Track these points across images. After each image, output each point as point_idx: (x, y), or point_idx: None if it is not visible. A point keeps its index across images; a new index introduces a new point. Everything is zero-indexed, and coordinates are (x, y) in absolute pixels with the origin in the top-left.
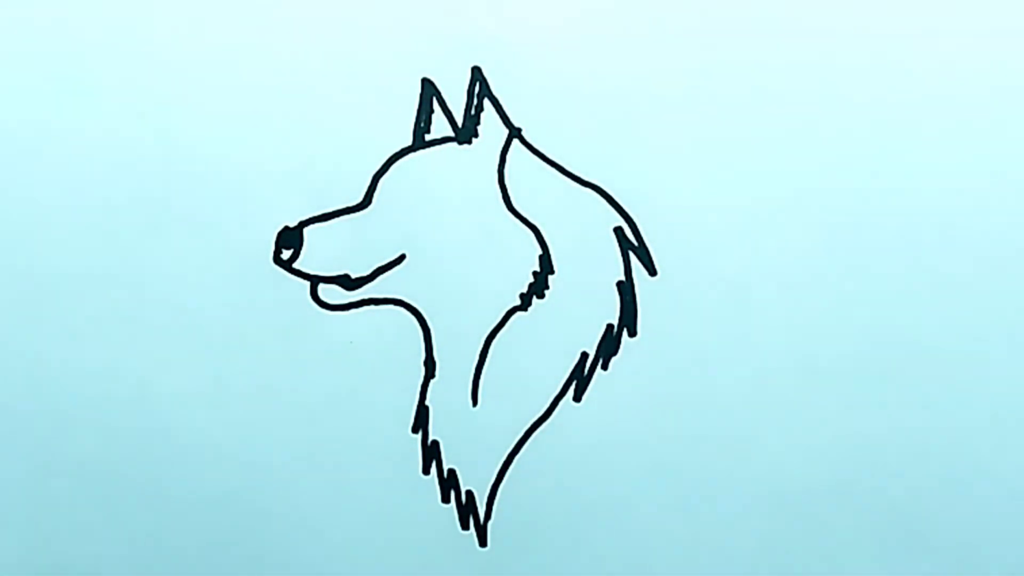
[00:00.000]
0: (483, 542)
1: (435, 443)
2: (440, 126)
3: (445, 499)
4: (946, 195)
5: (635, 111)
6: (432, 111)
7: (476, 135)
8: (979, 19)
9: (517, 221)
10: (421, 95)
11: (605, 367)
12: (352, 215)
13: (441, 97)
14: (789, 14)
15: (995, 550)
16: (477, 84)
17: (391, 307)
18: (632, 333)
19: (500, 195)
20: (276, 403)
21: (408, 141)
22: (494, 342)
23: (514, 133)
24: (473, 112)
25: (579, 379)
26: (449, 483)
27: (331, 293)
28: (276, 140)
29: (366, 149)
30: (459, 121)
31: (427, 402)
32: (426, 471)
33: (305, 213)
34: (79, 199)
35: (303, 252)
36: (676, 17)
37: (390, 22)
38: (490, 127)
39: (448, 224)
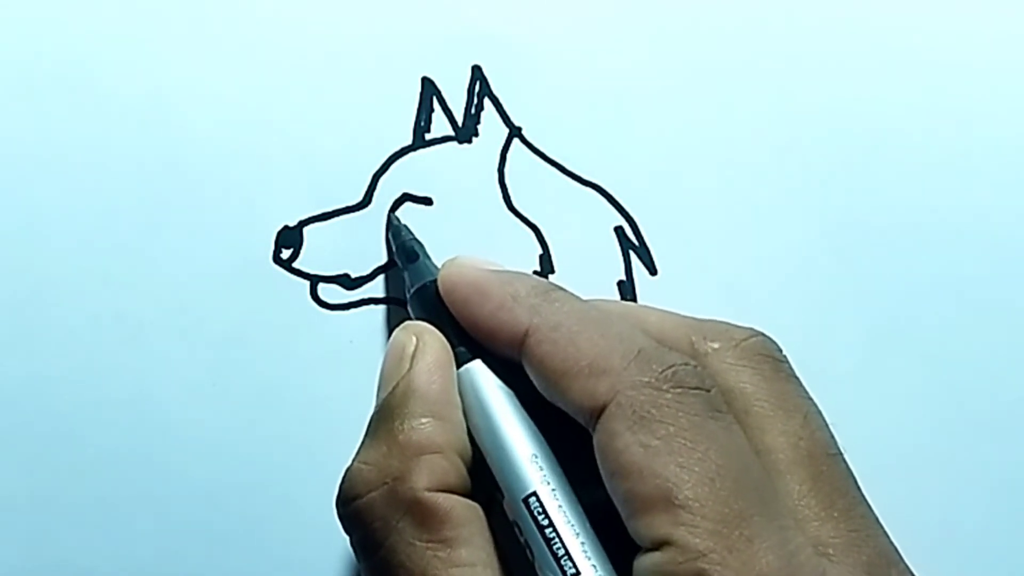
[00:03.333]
0: None
1: None
2: (440, 125)
3: None
4: (948, 194)
5: (635, 111)
6: (432, 110)
7: (476, 134)
8: (982, 18)
9: (517, 221)
10: (421, 94)
11: None
12: (352, 215)
13: (441, 96)
14: (791, 13)
15: (996, 551)
16: (477, 83)
17: (391, 307)
18: None
19: (500, 194)
20: (276, 403)
21: (408, 140)
22: None
23: (514, 132)
24: (473, 111)
25: None
26: None
27: (331, 293)
28: (276, 140)
29: (366, 148)
30: (459, 120)
31: None
32: None
33: (305, 213)
34: (78, 198)
35: (303, 252)
36: (677, 17)
37: (390, 21)
38: (490, 126)
39: (448, 223)
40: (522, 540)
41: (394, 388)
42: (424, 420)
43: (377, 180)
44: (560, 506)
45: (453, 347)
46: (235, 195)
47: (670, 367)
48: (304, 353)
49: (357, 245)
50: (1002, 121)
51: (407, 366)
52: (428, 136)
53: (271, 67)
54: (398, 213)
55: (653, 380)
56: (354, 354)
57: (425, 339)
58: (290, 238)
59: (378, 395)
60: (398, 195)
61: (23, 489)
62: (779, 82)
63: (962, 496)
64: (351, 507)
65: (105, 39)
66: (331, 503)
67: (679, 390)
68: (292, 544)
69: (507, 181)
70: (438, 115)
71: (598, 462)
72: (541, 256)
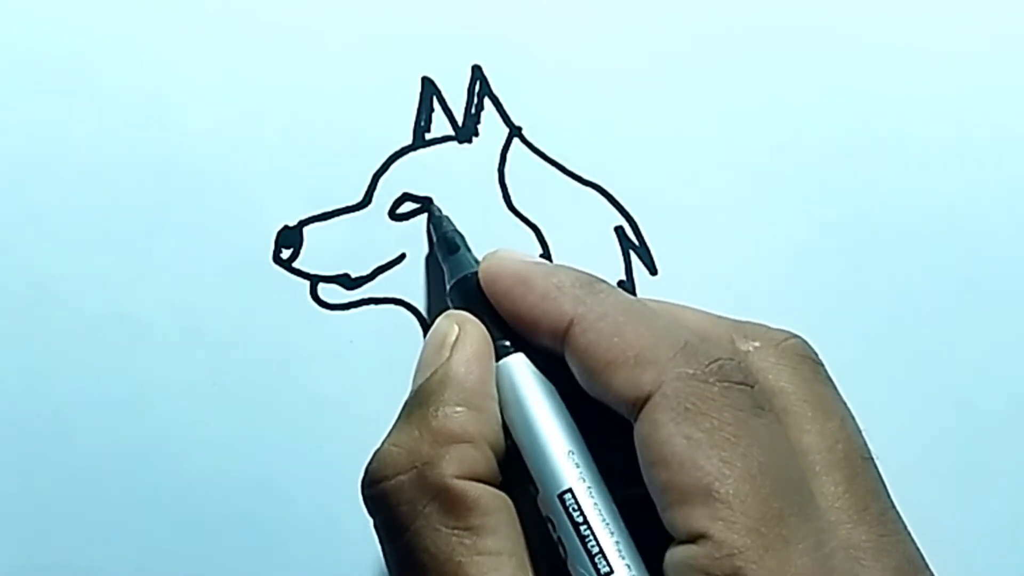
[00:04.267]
0: None
1: None
2: (440, 125)
3: None
4: (949, 192)
5: (635, 111)
6: (432, 110)
7: (476, 134)
8: (982, 17)
9: (517, 220)
10: (421, 94)
11: None
12: (352, 215)
13: (441, 96)
14: (791, 13)
15: (996, 550)
16: (477, 83)
17: (391, 307)
18: None
19: (500, 194)
20: (276, 403)
21: (408, 140)
22: None
23: (514, 132)
24: (473, 111)
25: None
26: None
27: (331, 293)
28: (276, 140)
29: (366, 148)
30: (459, 120)
31: None
32: None
33: (305, 213)
34: (78, 198)
35: (303, 251)
36: (677, 17)
37: (390, 21)
38: (490, 126)
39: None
40: (555, 536)
41: (432, 374)
42: (459, 409)
43: (377, 180)
44: (595, 504)
45: (493, 339)
46: (235, 195)
47: (716, 361)
48: (304, 353)
49: (357, 245)
50: (1003, 119)
51: (447, 354)
52: (428, 136)
53: (271, 67)
54: (401, 210)
55: (699, 372)
56: (354, 354)
57: (467, 328)
58: (290, 238)
59: (415, 379)
60: (398, 195)
61: (23, 489)
62: (779, 82)
63: (971, 498)
64: (378, 488)
65: (105, 39)
66: (331, 502)
67: (725, 384)
68: (292, 543)
69: (507, 181)
70: (438, 115)
71: (638, 452)
72: (541, 256)
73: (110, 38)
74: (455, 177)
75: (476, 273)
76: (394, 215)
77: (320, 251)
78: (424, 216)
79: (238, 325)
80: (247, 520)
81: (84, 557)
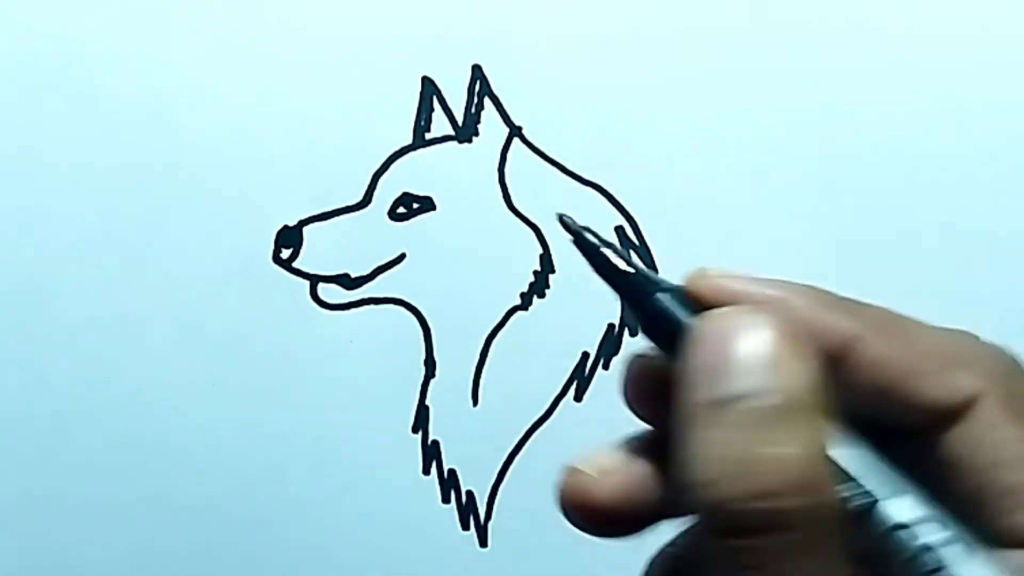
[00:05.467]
0: (483, 542)
1: (435, 443)
2: (440, 125)
3: (445, 499)
4: (948, 194)
5: (636, 111)
6: (432, 110)
7: (476, 134)
8: (983, 20)
9: (518, 220)
10: (421, 94)
11: (606, 367)
12: (352, 214)
13: (441, 95)
14: (791, 14)
15: None
16: (477, 83)
17: (391, 307)
18: (633, 333)
19: (501, 194)
20: (276, 403)
21: (408, 140)
22: (494, 342)
23: (515, 132)
24: (473, 111)
25: (580, 379)
26: (449, 483)
27: (331, 293)
28: (276, 139)
29: (366, 148)
30: (459, 120)
31: (427, 402)
32: (426, 471)
33: (305, 213)
34: (78, 198)
35: (303, 251)
36: (677, 17)
37: (390, 21)
38: (491, 126)
39: (448, 223)
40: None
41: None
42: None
43: (377, 179)
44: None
45: None
46: (235, 195)
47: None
48: (304, 353)
49: (357, 245)
50: (1002, 120)
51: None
52: (428, 136)
53: (271, 67)
54: (401, 210)
55: (1016, 370)
56: (354, 354)
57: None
58: (290, 238)
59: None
60: (398, 194)
61: (23, 489)
62: (780, 83)
63: None
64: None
65: (106, 39)
66: (331, 501)
67: None
68: (292, 542)
69: (507, 181)
70: (438, 114)
71: (957, 457)
72: (541, 256)
73: (110, 38)
74: (455, 177)
75: (669, 292)
76: (394, 215)
77: (320, 251)
78: (424, 216)
79: (238, 325)
80: (247, 518)
81: (84, 557)
